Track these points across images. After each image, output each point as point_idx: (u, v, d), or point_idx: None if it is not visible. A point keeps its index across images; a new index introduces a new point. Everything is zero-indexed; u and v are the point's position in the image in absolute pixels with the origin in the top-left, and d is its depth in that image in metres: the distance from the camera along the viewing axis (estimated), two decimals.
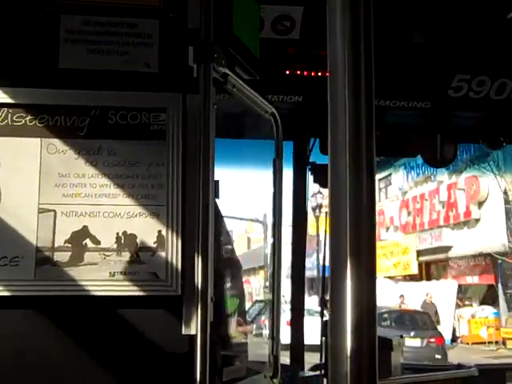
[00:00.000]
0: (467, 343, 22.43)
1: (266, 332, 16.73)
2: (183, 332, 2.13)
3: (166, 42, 2.31)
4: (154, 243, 2.20)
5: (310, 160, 4.85)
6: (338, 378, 1.18)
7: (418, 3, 3.84)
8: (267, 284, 33.47)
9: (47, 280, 2.15)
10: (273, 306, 2.88)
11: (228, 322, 2.78)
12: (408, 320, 19.40)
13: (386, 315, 18.87)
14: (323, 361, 4.42)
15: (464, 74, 4.24)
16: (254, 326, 17.03)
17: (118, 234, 2.19)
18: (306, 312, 5.27)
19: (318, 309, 5.35)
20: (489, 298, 24.21)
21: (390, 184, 30.88)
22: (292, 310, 5.02)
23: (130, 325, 2.17)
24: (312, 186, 4.93)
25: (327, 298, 5.32)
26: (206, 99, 2.17)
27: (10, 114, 2.22)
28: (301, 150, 4.81)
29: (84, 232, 2.19)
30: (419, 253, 27.70)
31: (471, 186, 24.67)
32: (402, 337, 7.05)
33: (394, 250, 28.82)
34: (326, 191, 4.84)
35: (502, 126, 4.83)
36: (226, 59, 2.29)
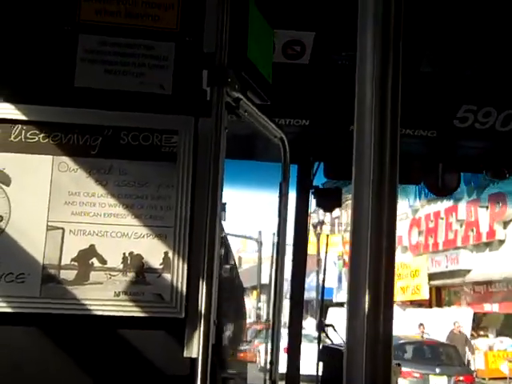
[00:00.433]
0: (483, 378, 19.65)
1: (259, 358, 16.35)
2: (185, 354, 2.13)
3: (181, 65, 2.32)
4: (160, 265, 2.20)
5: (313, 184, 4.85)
6: None
7: (427, 33, 3.87)
8: (259, 306, 33.19)
9: (52, 298, 2.14)
10: (273, 331, 2.86)
11: (228, 344, 2.76)
12: (429, 353, 17.12)
13: (406, 347, 16.63)
14: None
15: (470, 104, 4.25)
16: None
17: (124, 254, 2.19)
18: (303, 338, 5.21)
19: (316, 334, 5.28)
20: (505, 328, 21.86)
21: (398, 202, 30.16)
22: (290, 336, 4.98)
23: (133, 346, 2.16)
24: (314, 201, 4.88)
25: (325, 321, 5.29)
26: (218, 123, 2.17)
27: (23, 131, 2.22)
28: (305, 173, 4.81)
29: (91, 251, 2.18)
30: (431, 276, 25.19)
31: (496, 204, 22.29)
32: (399, 365, 6.93)
33: (402, 273, 25.72)
34: None
35: (506, 157, 4.85)
36: (239, 84, 2.31)
